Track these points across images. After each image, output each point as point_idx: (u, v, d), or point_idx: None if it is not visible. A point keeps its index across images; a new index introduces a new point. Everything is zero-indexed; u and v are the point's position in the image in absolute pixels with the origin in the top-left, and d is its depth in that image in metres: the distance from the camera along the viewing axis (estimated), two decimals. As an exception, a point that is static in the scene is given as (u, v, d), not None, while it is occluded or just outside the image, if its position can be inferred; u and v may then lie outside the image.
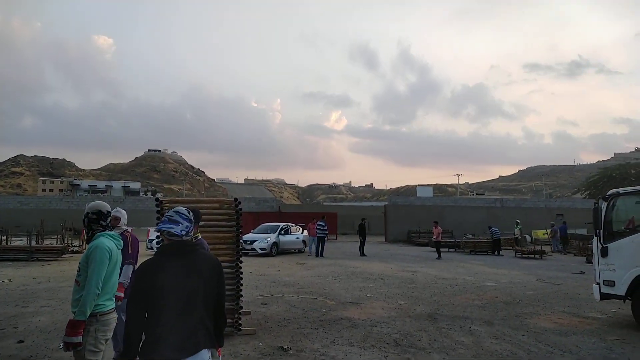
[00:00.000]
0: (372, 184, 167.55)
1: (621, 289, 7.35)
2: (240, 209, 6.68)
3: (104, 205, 3.70)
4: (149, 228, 21.79)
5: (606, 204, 7.80)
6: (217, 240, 6.37)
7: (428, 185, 72.87)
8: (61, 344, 3.37)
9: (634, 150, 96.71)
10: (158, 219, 6.40)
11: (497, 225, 25.48)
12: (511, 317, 8.07)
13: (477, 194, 78.18)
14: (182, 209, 2.78)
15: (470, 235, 27.88)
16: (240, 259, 6.62)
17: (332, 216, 34.77)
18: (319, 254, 19.35)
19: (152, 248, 17.42)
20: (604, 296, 7.73)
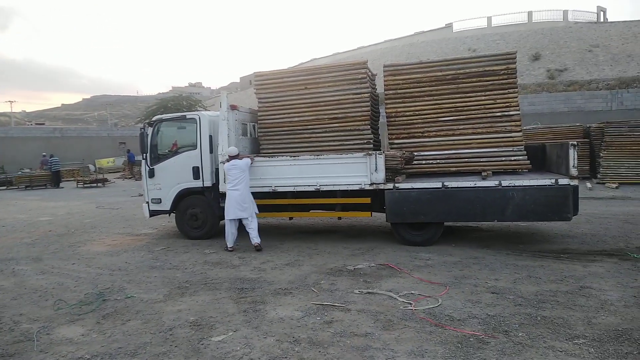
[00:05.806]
0: None
1: (167, 205, 8.33)
2: None
3: None
4: None
5: (152, 129, 8.46)
6: None
7: (-32, 112, 58.23)
8: None
9: (187, 85, 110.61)
10: None
11: (59, 155, 23.71)
12: (63, 249, 7.76)
13: (36, 124, 69.53)
14: None
15: (28, 170, 24.73)
16: None
17: None
18: None
19: None
20: (153, 213, 8.57)
